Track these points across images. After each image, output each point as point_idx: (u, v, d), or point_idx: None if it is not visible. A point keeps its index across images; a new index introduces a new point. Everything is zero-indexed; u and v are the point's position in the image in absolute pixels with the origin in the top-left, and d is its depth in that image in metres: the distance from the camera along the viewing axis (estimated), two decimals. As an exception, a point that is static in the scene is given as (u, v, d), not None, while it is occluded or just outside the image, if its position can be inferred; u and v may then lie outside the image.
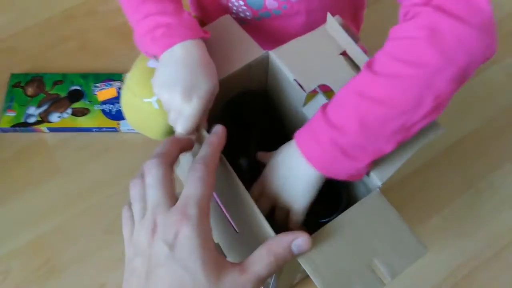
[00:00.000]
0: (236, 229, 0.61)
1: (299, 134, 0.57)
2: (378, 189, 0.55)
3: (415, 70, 0.49)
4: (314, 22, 0.66)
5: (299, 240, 0.46)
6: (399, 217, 0.52)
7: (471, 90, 1.13)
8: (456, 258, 0.94)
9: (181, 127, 0.56)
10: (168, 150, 0.49)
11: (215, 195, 0.61)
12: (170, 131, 0.75)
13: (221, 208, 0.62)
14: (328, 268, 0.48)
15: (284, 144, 0.60)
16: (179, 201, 0.44)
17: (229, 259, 0.76)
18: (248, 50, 0.64)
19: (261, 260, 0.44)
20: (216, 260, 0.43)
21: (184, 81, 0.56)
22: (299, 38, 0.64)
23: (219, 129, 0.53)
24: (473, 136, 1.08)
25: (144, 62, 0.68)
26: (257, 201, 0.55)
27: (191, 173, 0.46)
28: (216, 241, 0.75)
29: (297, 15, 0.73)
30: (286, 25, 0.75)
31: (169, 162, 0.48)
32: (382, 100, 0.50)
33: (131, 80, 0.69)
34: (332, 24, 0.62)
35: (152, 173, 0.46)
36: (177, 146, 0.51)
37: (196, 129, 0.57)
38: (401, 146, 0.55)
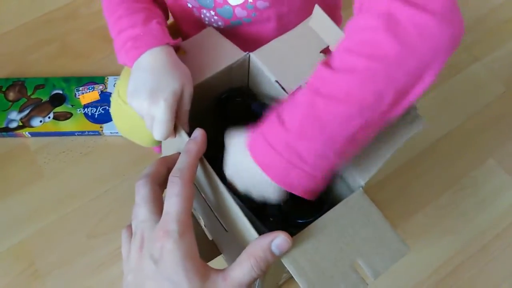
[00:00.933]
0: (225, 228, 0.61)
1: (250, 137, 0.52)
2: (361, 188, 0.55)
3: (372, 63, 0.45)
4: (286, 25, 0.66)
5: (277, 240, 0.47)
6: (382, 217, 0.52)
7: (454, 87, 1.14)
8: (440, 255, 0.94)
9: (156, 133, 0.56)
10: (156, 170, 0.51)
11: (203, 195, 0.61)
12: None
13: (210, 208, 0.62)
14: (311, 268, 0.48)
15: (230, 141, 0.56)
16: (161, 218, 0.46)
17: (224, 255, 0.77)
18: (229, 54, 0.64)
19: (242, 266, 0.45)
20: (199, 269, 0.45)
21: (149, 86, 0.57)
22: (279, 37, 0.64)
23: (198, 134, 0.53)
24: (456, 133, 1.08)
25: None
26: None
27: (168, 188, 0.48)
28: (210, 238, 0.76)
29: (268, 21, 0.73)
30: (259, 31, 0.74)
31: (157, 181, 0.50)
32: (339, 98, 0.46)
33: (121, 87, 0.69)
34: (319, 16, 0.61)
35: (140, 192, 0.49)
36: (165, 166, 0.52)
37: (175, 131, 0.57)
38: (383, 143, 0.54)
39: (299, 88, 0.51)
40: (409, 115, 0.57)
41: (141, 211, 0.48)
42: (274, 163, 0.49)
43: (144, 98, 0.56)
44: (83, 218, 0.97)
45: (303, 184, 0.50)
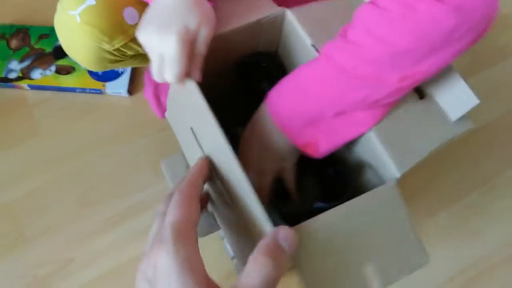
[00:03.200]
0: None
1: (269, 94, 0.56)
2: (395, 179, 0.48)
3: (381, 47, 0.46)
4: None
5: (282, 233, 0.40)
6: (408, 218, 0.46)
7: (497, 76, 1.02)
8: (461, 260, 0.85)
9: (169, 73, 0.50)
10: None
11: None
12: (98, 57, 0.70)
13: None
14: (317, 265, 0.43)
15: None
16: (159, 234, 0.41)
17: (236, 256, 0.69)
18: (262, 7, 0.57)
19: (254, 269, 0.38)
20: (200, 284, 0.37)
21: (161, 19, 0.51)
22: (321, 1, 0.57)
23: (199, 162, 0.50)
24: (494, 126, 0.97)
25: None
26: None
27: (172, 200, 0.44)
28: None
29: None
30: None
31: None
32: (345, 69, 0.48)
33: None
34: None
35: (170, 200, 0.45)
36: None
37: (187, 75, 0.51)
38: (426, 136, 0.50)
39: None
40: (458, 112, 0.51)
41: (157, 221, 0.44)
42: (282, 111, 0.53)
43: (153, 31, 0.51)
44: (75, 183, 0.90)
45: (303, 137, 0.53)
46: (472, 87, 0.49)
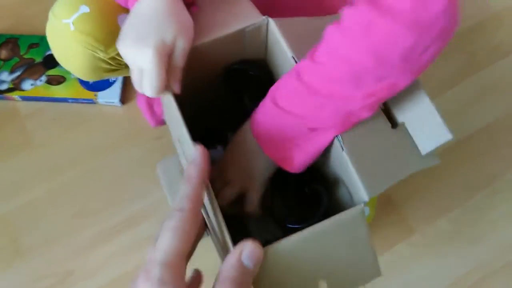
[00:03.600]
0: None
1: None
2: (362, 204, 0.49)
3: (343, 67, 0.47)
4: None
5: (246, 251, 0.41)
6: (368, 238, 0.48)
7: (495, 76, 1.00)
8: (463, 265, 0.84)
9: (146, 87, 0.50)
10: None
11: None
12: (93, 66, 0.69)
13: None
14: (277, 284, 0.45)
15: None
16: (149, 255, 0.39)
17: None
18: (245, 16, 0.57)
19: None
20: None
21: (138, 31, 0.51)
22: (307, 18, 0.57)
23: (197, 157, 0.45)
24: (496, 127, 0.95)
25: None
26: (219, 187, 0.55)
27: (165, 222, 0.40)
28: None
29: None
30: None
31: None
32: (313, 88, 0.50)
33: (57, 6, 0.65)
34: None
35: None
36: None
37: (166, 87, 0.50)
38: (397, 165, 0.50)
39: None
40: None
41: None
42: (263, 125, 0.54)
43: (130, 44, 0.50)
44: (71, 195, 0.90)
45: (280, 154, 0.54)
46: (444, 122, 0.49)
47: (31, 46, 0.98)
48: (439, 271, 0.83)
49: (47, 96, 0.94)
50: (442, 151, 0.92)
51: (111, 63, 0.70)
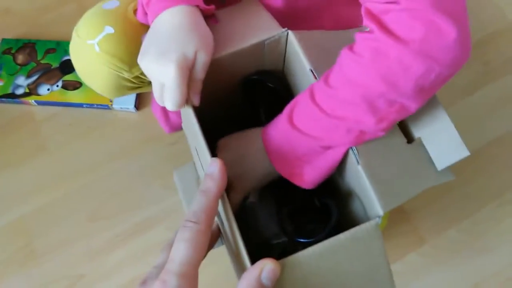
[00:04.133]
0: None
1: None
2: (378, 218, 0.48)
3: (354, 91, 0.47)
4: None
5: (265, 271, 0.42)
6: (383, 254, 0.47)
7: (506, 89, 1.00)
8: (472, 276, 0.84)
9: (168, 101, 0.50)
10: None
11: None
12: (117, 85, 0.69)
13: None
14: None
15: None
16: (165, 265, 0.40)
17: None
18: (265, 28, 0.57)
19: None
20: None
21: (159, 46, 0.51)
22: (326, 31, 0.58)
23: (215, 169, 0.45)
24: (503, 140, 0.95)
25: (101, 4, 0.65)
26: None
27: (179, 233, 0.41)
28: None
29: None
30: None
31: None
32: (325, 110, 0.50)
33: (80, 26, 0.65)
34: None
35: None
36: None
37: (186, 101, 0.51)
38: (413, 180, 0.50)
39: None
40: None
41: (164, 255, 0.43)
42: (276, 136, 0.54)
43: (152, 60, 0.51)
44: (85, 199, 0.91)
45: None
46: (462, 139, 0.49)
47: (48, 51, 1.00)
48: (448, 281, 0.84)
49: (63, 101, 0.96)
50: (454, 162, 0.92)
51: (135, 81, 0.71)
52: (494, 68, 1.01)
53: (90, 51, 0.64)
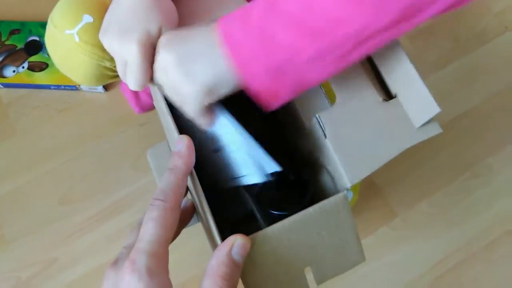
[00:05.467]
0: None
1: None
2: (345, 191, 0.49)
3: None
4: None
5: (236, 247, 0.42)
6: (353, 226, 0.48)
7: (478, 59, 1.00)
8: (441, 249, 0.85)
9: (130, 80, 0.50)
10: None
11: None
12: (98, 75, 0.67)
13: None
14: (261, 271, 0.46)
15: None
16: (134, 246, 0.40)
17: None
18: (232, 1, 0.56)
19: None
20: None
21: (120, 23, 0.50)
22: None
23: (183, 146, 0.45)
24: (475, 112, 0.96)
25: None
26: None
27: (147, 213, 0.41)
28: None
29: None
30: None
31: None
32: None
33: (55, 13, 0.61)
34: None
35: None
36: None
37: (150, 79, 0.50)
38: (388, 142, 0.49)
39: None
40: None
41: (133, 234, 0.43)
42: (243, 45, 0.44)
43: (114, 38, 0.49)
44: (56, 182, 0.89)
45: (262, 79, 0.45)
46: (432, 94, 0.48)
47: (13, 32, 0.97)
48: (420, 254, 0.85)
49: (30, 83, 0.93)
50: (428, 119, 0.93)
51: (116, 70, 0.69)
52: (464, 43, 1.01)
53: (69, 41, 0.61)
